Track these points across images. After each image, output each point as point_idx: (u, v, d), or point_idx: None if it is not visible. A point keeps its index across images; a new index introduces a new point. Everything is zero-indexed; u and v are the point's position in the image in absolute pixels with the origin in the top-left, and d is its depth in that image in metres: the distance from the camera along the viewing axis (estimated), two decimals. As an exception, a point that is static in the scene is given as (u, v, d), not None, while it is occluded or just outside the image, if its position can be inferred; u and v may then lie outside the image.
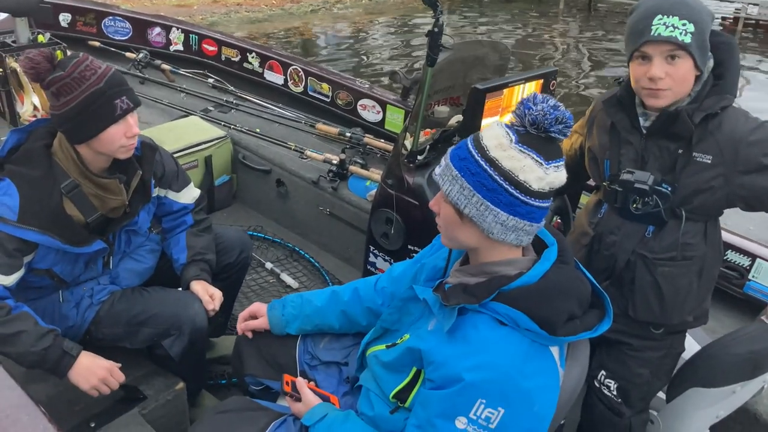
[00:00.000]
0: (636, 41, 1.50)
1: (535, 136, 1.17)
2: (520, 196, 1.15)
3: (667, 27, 1.46)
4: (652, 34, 1.47)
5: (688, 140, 1.56)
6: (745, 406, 1.94)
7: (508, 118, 1.26)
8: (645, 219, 1.65)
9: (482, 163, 1.16)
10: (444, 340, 1.22)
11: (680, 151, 1.57)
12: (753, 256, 2.29)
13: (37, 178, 1.63)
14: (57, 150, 1.68)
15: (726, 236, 2.06)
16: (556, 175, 1.17)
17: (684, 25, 1.45)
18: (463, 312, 1.22)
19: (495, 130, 1.19)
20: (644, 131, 1.62)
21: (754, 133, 1.52)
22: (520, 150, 1.15)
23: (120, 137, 1.65)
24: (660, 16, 1.47)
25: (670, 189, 1.58)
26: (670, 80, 1.50)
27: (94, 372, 1.65)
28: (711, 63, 1.56)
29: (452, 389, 1.16)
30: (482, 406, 1.13)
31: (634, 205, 1.65)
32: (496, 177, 1.15)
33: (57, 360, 1.61)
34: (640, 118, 1.62)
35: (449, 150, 1.24)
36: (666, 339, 1.75)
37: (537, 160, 1.15)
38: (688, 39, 1.45)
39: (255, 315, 1.71)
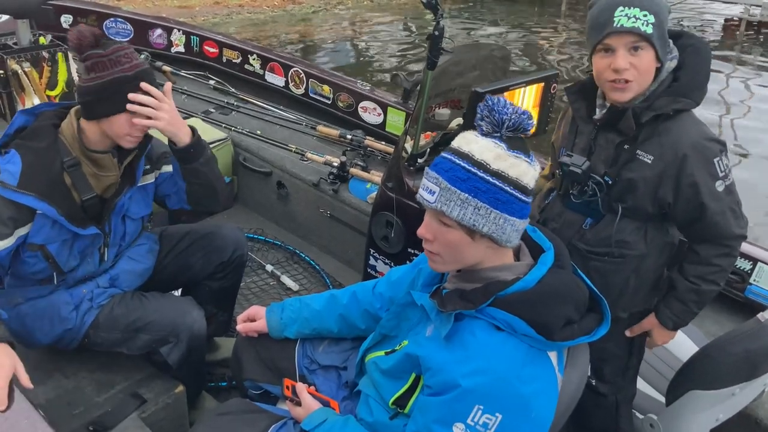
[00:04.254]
0: (599, 34, 1.51)
1: (515, 138, 1.20)
2: (526, 199, 1.19)
3: (630, 18, 1.47)
4: (615, 25, 1.48)
5: (635, 137, 1.57)
6: (745, 410, 1.93)
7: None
8: (584, 210, 1.67)
9: (489, 178, 1.16)
10: (441, 346, 1.22)
11: (626, 147, 1.58)
12: (754, 260, 2.28)
13: (41, 149, 1.68)
14: (64, 129, 1.74)
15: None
16: (538, 168, 1.22)
17: (645, 16, 1.46)
18: (460, 318, 1.22)
19: (482, 143, 1.19)
20: (597, 122, 1.63)
21: (697, 148, 1.52)
22: (516, 156, 1.18)
23: (129, 127, 1.70)
24: (622, 8, 1.48)
25: (609, 181, 1.59)
26: (634, 71, 1.50)
27: None
28: (674, 63, 1.56)
29: (449, 395, 1.16)
30: (480, 412, 1.13)
31: (572, 192, 1.68)
32: (507, 188, 1.17)
33: None
34: (597, 109, 1.64)
35: (436, 176, 1.19)
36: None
37: (527, 161, 1.19)
38: (650, 30, 1.46)
39: (253, 318, 1.71)
